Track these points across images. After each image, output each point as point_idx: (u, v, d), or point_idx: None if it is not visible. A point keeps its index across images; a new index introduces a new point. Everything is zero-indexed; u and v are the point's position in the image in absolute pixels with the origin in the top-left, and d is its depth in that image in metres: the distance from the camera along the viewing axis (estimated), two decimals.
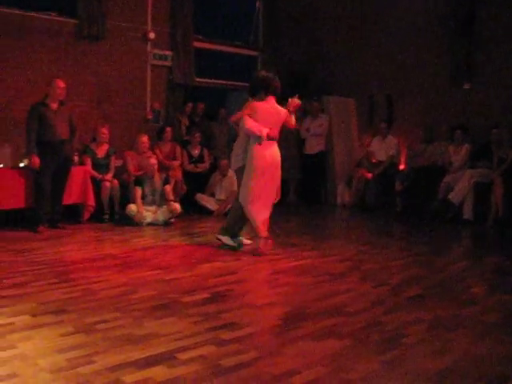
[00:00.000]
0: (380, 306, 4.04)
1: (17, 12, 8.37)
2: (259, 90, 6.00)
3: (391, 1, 10.13)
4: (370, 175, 9.45)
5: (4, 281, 4.59)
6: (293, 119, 6.08)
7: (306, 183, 10.47)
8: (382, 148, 9.57)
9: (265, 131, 5.74)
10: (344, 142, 10.47)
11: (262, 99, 5.94)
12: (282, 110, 6.01)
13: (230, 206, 8.59)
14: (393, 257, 5.79)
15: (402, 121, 9.94)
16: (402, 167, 9.52)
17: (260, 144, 5.77)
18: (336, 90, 10.67)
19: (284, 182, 10.55)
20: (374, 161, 9.65)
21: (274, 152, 5.94)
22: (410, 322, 3.67)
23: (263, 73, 6.25)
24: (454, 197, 8.15)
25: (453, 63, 9.23)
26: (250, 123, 5.79)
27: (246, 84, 11.65)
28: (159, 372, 2.81)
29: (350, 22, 10.78)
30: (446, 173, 8.51)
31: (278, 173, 6.11)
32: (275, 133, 5.93)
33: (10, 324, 3.51)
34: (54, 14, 8.75)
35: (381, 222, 8.45)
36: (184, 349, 3.12)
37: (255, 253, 5.73)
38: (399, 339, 3.35)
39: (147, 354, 3.03)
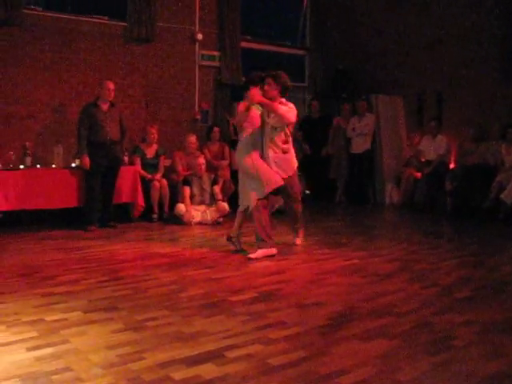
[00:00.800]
0: (429, 307, 3.97)
1: (69, 17, 8.57)
2: None
3: None
4: (419, 174, 9.30)
5: (57, 278, 4.72)
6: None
7: (353, 183, 10.39)
8: (431, 147, 9.40)
9: None
10: (392, 141, 10.33)
11: None
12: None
13: (277, 205, 8.62)
14: (443, 257, 5.68)
15: (453, 119, 9.74)
16: (452, 166, 9.33)
17: None
18: (384, 88, 10.54)
19: (332, 182, 10.59)
20: (423, 160, 9.49)
21: None
22: (461, 324, 3.59)
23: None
24: (506, 196, 7.93)
25: (505, 59, 9.00)
26: None
27: (294, 84, 11.75)
28: (207, 369, 2.83)
29: (398, 19, 10.63)
30: (497, 172, 8.31)
31: None
32: None
33: (64, 320, 3.61)
34: (104, 18, 8.93)
35: (430, 222, 8.30)
36: (232, 347, 3.13)
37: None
38: (449, 341, 3.29)
39: (196, 352, 3.06)
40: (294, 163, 6.04)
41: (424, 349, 3.17)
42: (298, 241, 6.29)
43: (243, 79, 5.74)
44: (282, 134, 5.85)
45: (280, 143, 5.84)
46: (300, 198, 6.26)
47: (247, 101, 5.68)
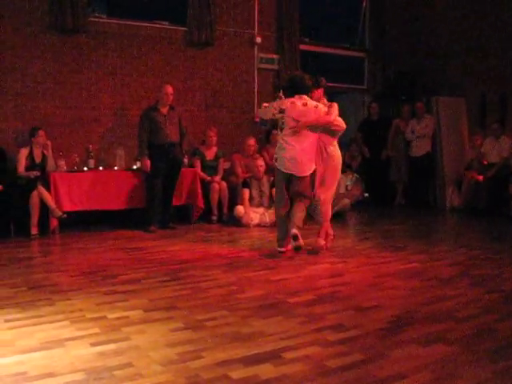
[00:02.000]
0: (492, 313, 3.88)
1: (131, 23, 8.78)
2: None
3: None
4: (481, 177, 9.07)
5: (119, 277, 4.86)
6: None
7: (413, 186, 10.24)
8: (494, 149, 9.16)
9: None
10: (454, 143, 10.12)
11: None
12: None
13: (336, 207, 8.60)
14: (506, 263, 5.53)
15: None
16: None
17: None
18: (446, 89, 10.36)
19: (392, 185, 10.47)
20: (485, 162, 9.27)
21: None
22: None
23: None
24: None
25: None
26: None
27: (354, 86, 11.70)
28: (265, 370, 2.86)
29: (458, 20, 10.42)
30: None
31: None
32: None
33: (125, 317, 3.72)
34: (165, 23, 9.09)
35: (493, 226, 8.10)
36: (290, 348, 3.15)
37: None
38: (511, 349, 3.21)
39: (254, 352, 3.09)
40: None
41: (485, 356, 3.10)
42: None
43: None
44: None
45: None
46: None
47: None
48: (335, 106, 6.03)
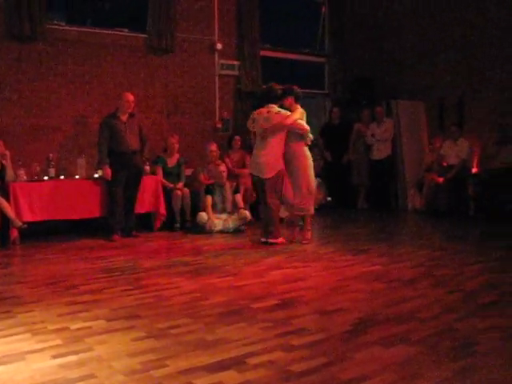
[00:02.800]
0: (453, 313, 3.94)
1: (90, 30, 8.71)
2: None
3: (461, 2, 9.90)
4: (441, 179, 9.23)
5: (81, 287, 4.79)
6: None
7: (375, 189, 10.36)
8: (453, 151, 9.33)
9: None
10: (414, 146, 10.29)
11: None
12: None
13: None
14: (467, 262, 5.63)
15: (475, 122, 9.67)
16: (474, 170, 9.26)
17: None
18: (405, 93, 10.53)
19: (354, 188, 10.57)
20: (445, 164, 9.43)
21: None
22: (484, 330, 3.55)
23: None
24: None
25: None
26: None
27: (314, 91, 11.79)
28: (229, 376, 2.85)
29: (417, 25, 10.61)
30: None
31: None
32: None
33: (87, 328, 3.66)
34: (125, 30, 9.05)
35: (453, 227, 8.24)
36: (253, 354, 3.14)
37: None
38: (472, 347, 3.25)
39: (218, 359, 3.07)
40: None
41: (446, 355, 3.14)
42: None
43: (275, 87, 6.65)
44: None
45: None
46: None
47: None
48: (298, 110, 6.64)
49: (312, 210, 6.91)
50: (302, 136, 6.68)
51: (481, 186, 8.70)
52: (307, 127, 6.66)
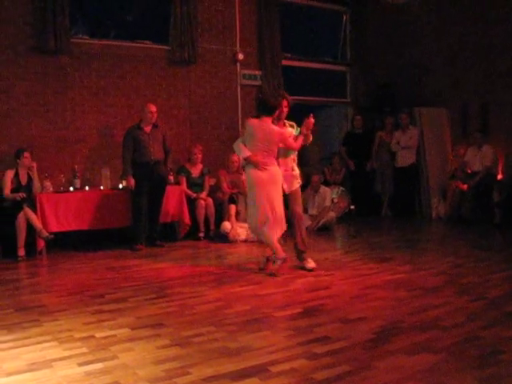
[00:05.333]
0: (477, 321, 3.92)
1: (113, 43, 8.84)
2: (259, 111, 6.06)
3: (483, 6, 9.84)
4: (465, 186, 9.16)
5: (106, 296, 4.85)
6: (299, 139, 5.88)
7: (399, 197, 10.32)
8: (477, 158, 9.26)
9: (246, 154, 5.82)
10: (437, 153, 10.23)
11: (258, 118, 5.90)
12: (275, 130, 5.77)
13: (322, 221, 8.64)
14: (491, 270, 5.58)
15: (500, 129, 9.58)
16: (500, 177, 9.17)
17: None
18: (427, 100, 10.47)
19: (377, 196, 10.54)
20: (469, 171, 9.36)
21: (268, 172, 5.76)
22: (509, 338, 3.53)
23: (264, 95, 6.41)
24: None
25: None
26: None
27: (336, 99, 11.80)
28: None
29: (439, 31, 10.57)
30: None
31: (276, 191, 5.80)
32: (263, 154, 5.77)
33: (112, 336, 3.72)
34: (148, 43, 9.16)
35: (478, 234, 8.15)
36: (276, 362, 3.16)
37: (271, 273, 5.63)
38: (497, 355, 3.24)
39: (241, 367, 3.10)
40: (299, 180, 6.11)
41: (470, 363, 3.12)
42: (310, 264, 5.88)
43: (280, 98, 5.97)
44: (292, 155, 6.08)
45: (291, 162, 6.05)
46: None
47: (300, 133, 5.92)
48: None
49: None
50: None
51: (506, 192, 8.60)
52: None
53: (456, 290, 4.83)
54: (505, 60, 9.47)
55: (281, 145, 5.86)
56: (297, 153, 6.13)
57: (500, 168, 9.26)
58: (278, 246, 5.77)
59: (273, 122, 5.83)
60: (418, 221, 9.92)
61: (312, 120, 5.95)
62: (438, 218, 9.81)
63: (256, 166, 5.72)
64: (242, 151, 5.86)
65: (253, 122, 5.88)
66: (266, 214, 5.70)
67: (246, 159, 5.84)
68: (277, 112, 5.87)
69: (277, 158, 5.89)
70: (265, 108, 5.84)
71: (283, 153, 5.97)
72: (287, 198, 6.01)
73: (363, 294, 4.74)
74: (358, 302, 4.49)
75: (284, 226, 5.91)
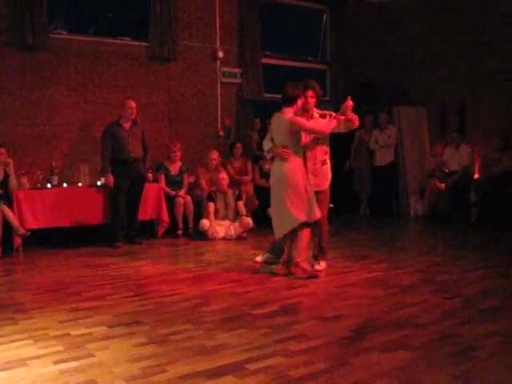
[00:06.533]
0: (452, 318, 3.96)
1: (93, 39, 8.77)
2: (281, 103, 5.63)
3: (463, 7, 9.94)
4: (443, 185, 9.26)
5: (83, 294, 4.83)
6: (331, 122, 5.49)
7: (377, 195, 10.38)
8: (455, 157, 9.37)
9: None
10: (416, 152, 10.31)
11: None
12: (284, 118, 5.44)
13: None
14: (467, 268, 5.64)
15: (477, 128, 9.69)
16: (476, 176, 9.27)
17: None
18: (406, 100, 10.55)
19: (356, 195, 10.59)
20: (446, 171, 9.46)
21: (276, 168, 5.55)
22: (484, 335, 3.58)
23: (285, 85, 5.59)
24: None
25: None
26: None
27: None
28: (228, 382, 2.88)
29: (418, 31, 10.66)
30: None
31: (282, 192, 5.44)
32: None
33: (88, 334, 3.70)
34: (127, 39, 9.10)
35: (455, 233, 8.25)
36: (253, 359, 3.17)
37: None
38: (471, 352, 3.28)
39: (217, 365, 3.10)
40: (329, 177, 5.77)
41: (445, 360, 3.16)
42: (318, 266, 5.55)
43: (265, 95, 5.61)
44: (324, 146, 5.68)
45: (321, 154, 5.65)
46: (326, 216, 5.80)
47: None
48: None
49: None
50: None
51: (482, 192, 8.70)
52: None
53: (432, 288, 4.88)
54: (482, 61, 9.59)
55: (304, 135, 5.48)
56: (328, 144, 5.67)
57: (477, 167, 9.36)
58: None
59: (297, 114, 5.45)
60: (395, 219, 10.00)
61: (351, 102, 5.54)
62: (416, 216, 9.90)
63: (278, 156, 5.42)
64: (264, 144, 5.70)
65: (275, 115, 5.59)
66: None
67: (268, 152, 5.61)
68: (299, 102, 5.48)
69: (305, 152, 5.52)
70: (284, 98, 5.52)
71: (311, 144, 5.55)
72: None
73: (340, 292, 4.77)
74: (334, 300, 4.52)
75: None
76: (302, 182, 5.41)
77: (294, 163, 5.41)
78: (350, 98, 5.59)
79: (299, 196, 5.39)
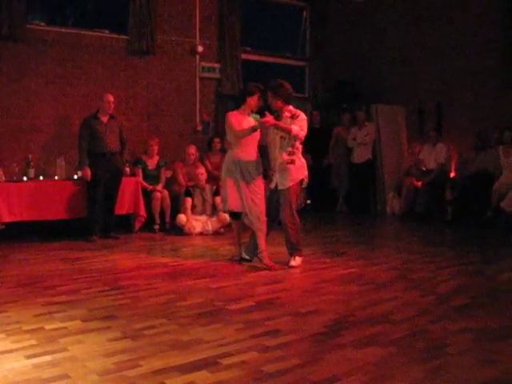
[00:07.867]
0: (425, 315, 4.00)
1: (71, 31, 8.70)
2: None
3: (441, 8, 10.04)
4: (419, 183, 9.35)
5: (58, 288, 4.79)
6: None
7: (354, 192, 10.43)
8: (431, 156, 9.46)
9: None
10: (393, 150, 10.39)
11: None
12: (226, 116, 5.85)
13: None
14: (441, 266, 5.71)
15: (453, 128, 9.80)
16: (452, 175, 9.37)
17: None
18: (385, 98, 10.62)
19: (333, 192, 10.63)
20: (423, 169, 9.55)
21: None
22: (456, 332, 3.62)
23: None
24: (506, 205, 7.96)
25: (504, 69, 9.08)
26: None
27: (295, 95, 11.81)
28: (202, 377, 2.88)
29: (398, 30, 10.73)
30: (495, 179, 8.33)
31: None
32: None
33: (63, 328, 3.67)
34: (106, 32, 9.04)
35: (431, 230, 8.34)
36: (227, 355, 3.18)
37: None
38: (443, 348, 3.31)
39: (191, 359, 3.10)
40: (296, 176, 5.73)
41: (418, 356, 3.19)
42: (293, 262, 5.70)
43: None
44: (290, 147, 5.70)
45: (285, 154, 5.69)
46: (291, 213, 5.78)
47: (258, 124, 5.54)
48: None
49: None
50: None
51: (458, 190, 8.80)
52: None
53: (406, 285, 4.93)
54: (459, 60, 9.68)
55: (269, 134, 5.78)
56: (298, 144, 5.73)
57: (453, 166, 9.46)
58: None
59: (263, 116, 5.56)
60: (372, 216, 10.07)
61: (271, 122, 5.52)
62: (393, 214, 9.98)
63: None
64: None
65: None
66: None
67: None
68: (251, 102, 5.75)
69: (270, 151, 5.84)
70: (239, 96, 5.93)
71: (275, 143, 5.77)
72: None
73: (316, 288, 4.80)
74: (310, 296, 4.54)
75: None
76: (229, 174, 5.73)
77: (227, 156, 5.83)
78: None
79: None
